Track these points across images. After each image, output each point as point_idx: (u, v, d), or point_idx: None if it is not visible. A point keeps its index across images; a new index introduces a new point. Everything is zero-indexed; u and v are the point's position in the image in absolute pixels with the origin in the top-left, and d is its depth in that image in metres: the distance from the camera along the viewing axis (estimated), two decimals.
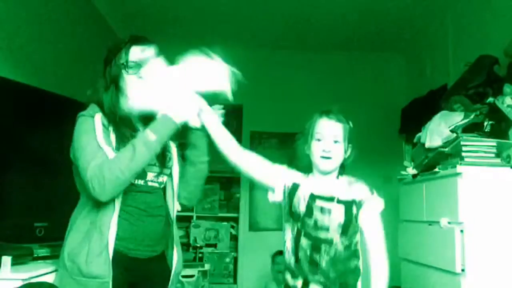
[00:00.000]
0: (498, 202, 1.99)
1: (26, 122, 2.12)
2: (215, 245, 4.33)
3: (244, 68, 4.45)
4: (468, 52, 2.90)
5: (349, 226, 1.48)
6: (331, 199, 1.51)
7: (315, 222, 1.49)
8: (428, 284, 2.26)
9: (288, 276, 1.54)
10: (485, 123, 2.18)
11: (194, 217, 4.35)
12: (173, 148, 1.68)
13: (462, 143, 2.09)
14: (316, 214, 1.50)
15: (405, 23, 3.75)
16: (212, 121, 1.61)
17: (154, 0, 3.49)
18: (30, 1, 2.56)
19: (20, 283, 1.63)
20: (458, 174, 2.02)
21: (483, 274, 1.94)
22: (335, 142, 1.53)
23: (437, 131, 2.26)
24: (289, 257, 1.54)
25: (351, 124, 1.59)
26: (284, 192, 1.60)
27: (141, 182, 1.53)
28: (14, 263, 1.76)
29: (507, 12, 2.60)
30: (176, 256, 1.62)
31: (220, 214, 4.43)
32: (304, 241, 1.50)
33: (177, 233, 1.67)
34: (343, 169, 1.58)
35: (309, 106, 4.36)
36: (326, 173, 1.55)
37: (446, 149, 2.17)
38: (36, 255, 2.00)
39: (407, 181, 2.62)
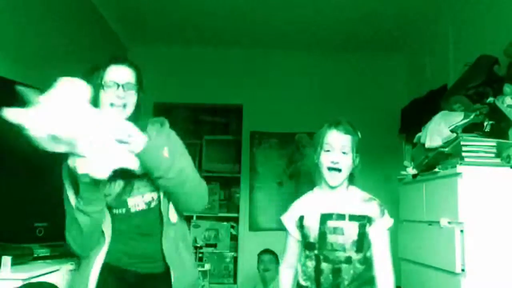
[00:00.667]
0: (498, 202, 1.99)
1: None
2: (215, 245, 4.34)
3: (244, 68, 4.47)
4: (468, 52, 2.89)
5: (363, 242, 1.54)
6: (342, 217, 1.56)
7: (331, 244, 1.54)
8: (428, 284, 2.26)
9: None
10: (485, 123, 2.18)
11: (194, 217, 4.36)
12: None
13: (462, 143, 2.09)
14: (330, 236, 1.54)
15: (405, 23, 3.75)
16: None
17: (154, 0, 3.49)
18: (29, 0, 2.56)
19: (20, 283, 1.63)
20: (458, 174, 2.02)
21: (483, 274, 1.94)
22: (343, 153, 1.57)
23: (437, 131, 2.26)
24: (310, 282, 1.57)
25: (359, 135, 1.62)
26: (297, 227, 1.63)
27: (122, 210, 1.56)
28: (14, 263, 1.75)
29: (507, 12, 2.60)
30: (173, 276, 1.55)
31: (220, 214, 4.44)
32: (324, 266, 1.54)
33: (173, 251, 1.58)
34: (352, 177, 1.64)
35: (309, 106, 4.39)
36: (335, 187, 1.60)
37: (446, 149, 2.17)
38: (36, 255, 2.00)
39: (407, 181, 2.62)
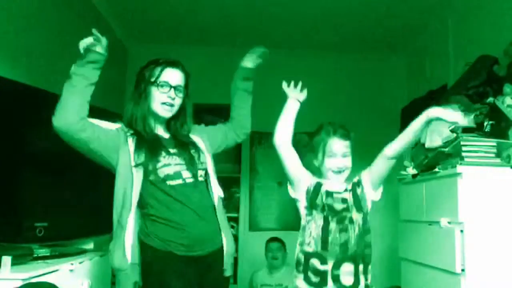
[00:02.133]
0: (498, 202, 1.99)
1: (26, 122, 2.12)
2: None
3: None
4: (468, 52, 2.89)
5: (360, 203, 1.70)
6: (338, 192, 1.73)
7: (339, 208, 1.69)
8: (428, 284, 2.26)
9: (317, 263, 1.65)
10: (485, 123, 2.18)
11: None
12: (201, 144, 1.84)
13: (462, 143, 2.09)
14: (337, 202, 1.70)
15: (405, 23, 3.75)
16: (293, 107, 1.98)
17: (154, 0, 3.49)
18: (29, 1, 2.56)
19: (20, 283, 1.63)
20: (458, 174, 2.02)
21: (483, 274, 1.94)
22: (344, 156, 1.74)
23: (437, 131, 2.26)
24: (316, 245, 1.67)
25: (353, 135, 1.79)
26: (308, 191, 1.75)
27: (179, 181, 1.68)
28: (14, 263, 1.75)
29: (507, 12, 2.60)
30: (225, 240, 1.75)
31: None
32: (333, 226, 1.67)
33: (223, 218, 1.79)
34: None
35: (309, 106, 4.40)
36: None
37: (446, 149, 2.17)
38: (36, 255, 2.00)
39: (407, 181, 2.62)
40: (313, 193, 1.73)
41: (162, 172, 1.65)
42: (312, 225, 1.69)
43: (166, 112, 1.75)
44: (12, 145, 2.01)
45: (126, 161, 1.63)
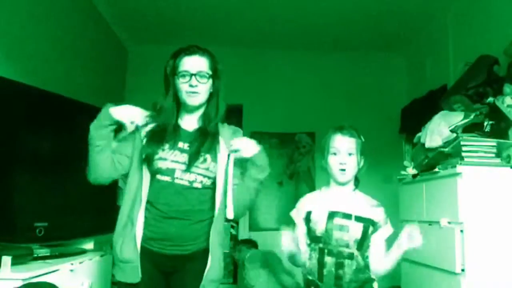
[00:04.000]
0: (498, 202, 1.99)
1: (27, 123, 2.12)
2: None
3: (244, 68, 4.47)
4: (468, 52, 2.89)
5: (364, 242, 1.65)
6: (348, 216, 1.66)
7: (336, 240, 1.64)
8: (428, 284, 2.26)
9: None
10: (485, 123, 2.18)
11: None
12: (222, 152, 1.71)
13: (462, 143, 2.09)
14: (336, 233, 1.65)
15: (405, 23, 3.75)
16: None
17: (154, 0, 3.49)
18: (30, 1, 2.56)
19: (20, 283, 1.64)
20: (458, 174, 2.02)
21: (483, 274, 1.94)
22: (350, 154, 1.69)
23: (437, 131, 2.26)
24: (313, 275, 1.66)
25: (362, 138, 1.73)
26: (306, 218, 1.74)
27: (167, 178, 1.62)
28: (14, 263, 1.75)
29: (507, 12, 2.60)
30: (209, 262, 1.64)
31: None
32: (328, 259, 1.64)
33: (217, 237, 1.67)
34: (357, 181, 1.75)
35: (309, 106, 4.38)
36: (342, 184, 1.71)
37: (446, 149, 2.17)
38: (36, 255, 2.00)
39: (407, 181, 2.61)
40: (306, 225, 1.71)
41: (156, 164, 1.63)
42: (312, 254, 1.68)
43: (192, 100, 1.68)
44: (12, 145, 2.01)
45: (138, 156, 1.65)
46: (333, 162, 1.69)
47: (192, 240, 1.64)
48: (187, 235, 1.63)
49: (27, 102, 2.14)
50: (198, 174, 1.64)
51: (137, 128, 1.66)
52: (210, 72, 1.71)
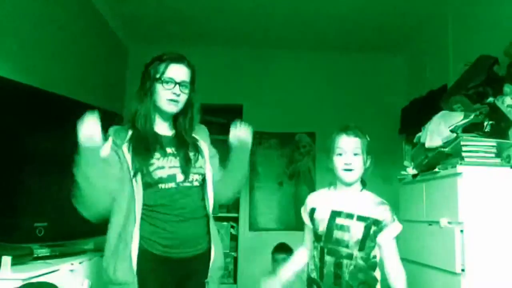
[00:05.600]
0: (498, 202, 1.99)
1: (27, 122, 2.12)
2: None
3: (244, 68, 4.47)
4: (468, 52, 2.89)
5: (365, 242, 1.64)
6: (350, 216, 1.66)
7: (336, 239, 1.66)
8: (428, 284, 2.26)
9: None
10: (485, 123, 2.18)
11: None
12: (205, 150, 1.79)
13: (462, 143, 2.09)
14: (336, 232, 1.66)
15: (405, 23, 3.75)
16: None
17: (154, 0, 3.49)
18: (30, 1, 2.56)
19: (20, 283, 1.63)
20: (458, 174, 2.02)
21: (483, 274, 1.94)
22: (355, 155, 1.69)
23: (437, 131, 2.26)
24: (315, 274, 1.70)
25: (368, 138, 1.74)
26: (310, 216, 1.78)
27: (171, 185, 1.66)
28: (14, 263, 1.75)
29: (507, 12, 2.60)
30: (213, 253, 1.71)
31: (220, 214, 4.43)
32: (328, 258, 1.66)
33: (214, 231, 1.75)
34: (364, 183, 1.75)
35: (309, 106, 4.38)
36: (349, 185, 1.71)
37: (446, 149, 2.17)
38: (36, 255, 2.00)
39: (407, 181, 2.61)
40: (311, 222, 1.76)
41: (156, 175, 1.63)
42: (315, 252, 1.73)
43: (171, 108, 1.71)
44: (12, 145, 2.01)
45: (126, 175, 1.63)
46: (338, 162, 1.69)
47: (203, 237, 1.70)
48: (200, 233, 1.70)
49: (27, 102, 2.14)
50: (194, 173, 1.70)
51: (116, 144, 1.65)
52: (190, 84, 1.75)
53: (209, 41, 4.25)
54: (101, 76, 3.62)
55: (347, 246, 1.64)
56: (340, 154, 1.69)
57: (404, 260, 2.59)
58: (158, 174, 1.63)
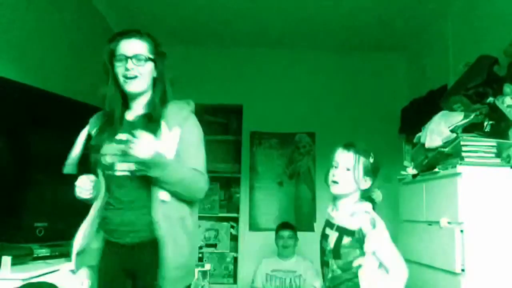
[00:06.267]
0: (498, 202, 1.99)
1: (27, 123, 2.12)
2: (215, 245, 4.33)
3: (244, 68, 4.48)
4: (468, 52, 2.89)
5: (338, 251, 1.69)
6: (332, 226, 1.76)
7: (322, 249, 1.79)
8: (428, 284, 2.26)
9: None
10: (485, 123, 2.18)
11: None
12: (164, 136, 1.59)
13: (462, 143, 2.09)
14: (323, 242, 1.79)
15: (405, 23, 3.75)
16: None
17: (155, 0, 3.49)
18: (30, 1, 2.56)
19: (20, 283, 1.64)
20: (458, 174, 2.02)
21: (483, 274, 1.94)
22: (347, 169, 1.72)
23: (437, 131, 2.26)
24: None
25: (371, 160, 1.73)
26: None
27: (110, 172, 1.63)
28: (14, 263, 1.76)
29: (507, 12, 2.60)
30: (167, 249, 1.54)
31: (220, 214, 4.43)
32: (324, 268, 1.80)
33: (169, 222, 1.56)
34: (374, 202, 1.78)
35: (309, 106, 4.39)
36: (338, 197, 1.78)
37: (446, 149, 2.17)
38: (36, 255, 2.00)
39: (407, 181, 2.61)
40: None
41: (103, 161, 1.63)
42: None
43: (129, 86, 1.60)
44: (13, 146, 2.01)
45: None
46: (330, 174, 1.76)
47: (144, 226, 1.60)
48: (139, 221, 1.62)
49: (27, 102, 2.14)
50: (133, 162, 1.56)
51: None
52: (150, 56, 1.63)
53: (209, 41, 4.25)
54: (101, 76, 3.62)
55: (327, 255, 1.75)
56: (336, 167, 1.75)
57: (404, 260, 2.60)
58: (103, 161, 1.63)
